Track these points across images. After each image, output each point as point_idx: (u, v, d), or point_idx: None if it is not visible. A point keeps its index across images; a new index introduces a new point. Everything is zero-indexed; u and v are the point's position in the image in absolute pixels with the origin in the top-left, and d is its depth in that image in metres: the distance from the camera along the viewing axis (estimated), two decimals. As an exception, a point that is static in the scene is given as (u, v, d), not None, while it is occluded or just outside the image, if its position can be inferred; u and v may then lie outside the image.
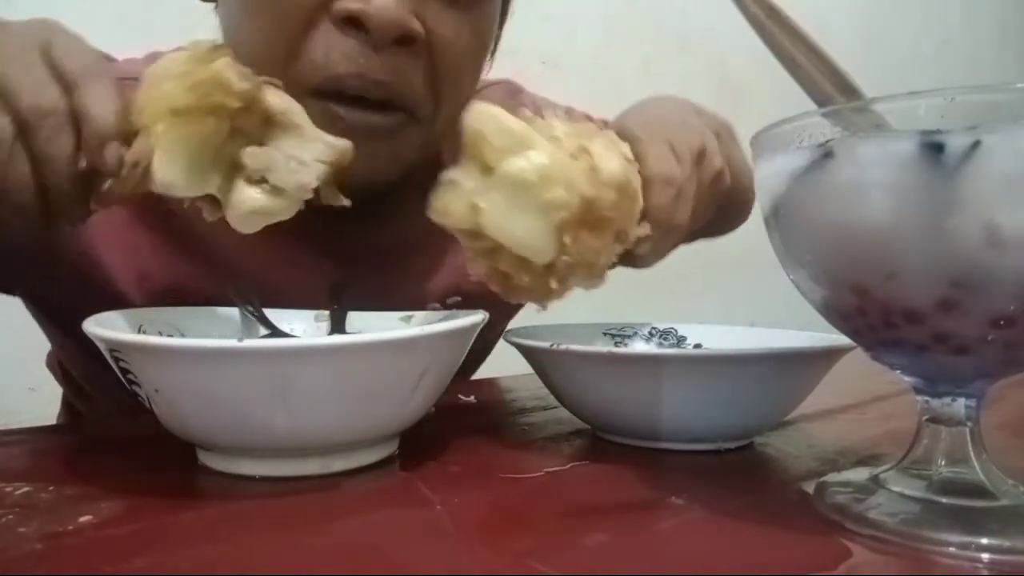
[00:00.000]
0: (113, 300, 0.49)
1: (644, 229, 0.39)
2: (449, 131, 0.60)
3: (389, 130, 0.50)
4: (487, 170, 0.37)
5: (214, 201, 0.37)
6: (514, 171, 0.35)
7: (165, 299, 0.50)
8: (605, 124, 0.75)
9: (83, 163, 0.35)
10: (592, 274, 0.38)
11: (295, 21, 0.46)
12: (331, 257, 0.58)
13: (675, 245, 0.44)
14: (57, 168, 0.34)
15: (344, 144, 0.37)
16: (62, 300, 0.54)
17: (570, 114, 0.75)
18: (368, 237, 0.61)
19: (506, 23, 0.61)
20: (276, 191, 0.36)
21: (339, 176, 0.38)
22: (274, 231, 0.58)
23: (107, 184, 0.35)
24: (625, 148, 0.40)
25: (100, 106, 0.34)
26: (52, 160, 0.34)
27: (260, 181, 0.36)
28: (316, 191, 0.37)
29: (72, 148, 0.34)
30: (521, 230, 0.36)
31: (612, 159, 0.37)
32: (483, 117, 0.37)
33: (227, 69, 0.34)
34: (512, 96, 0.72)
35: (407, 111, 0.50)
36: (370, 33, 0.45)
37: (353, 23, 0.45)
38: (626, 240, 0.38)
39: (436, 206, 0.39)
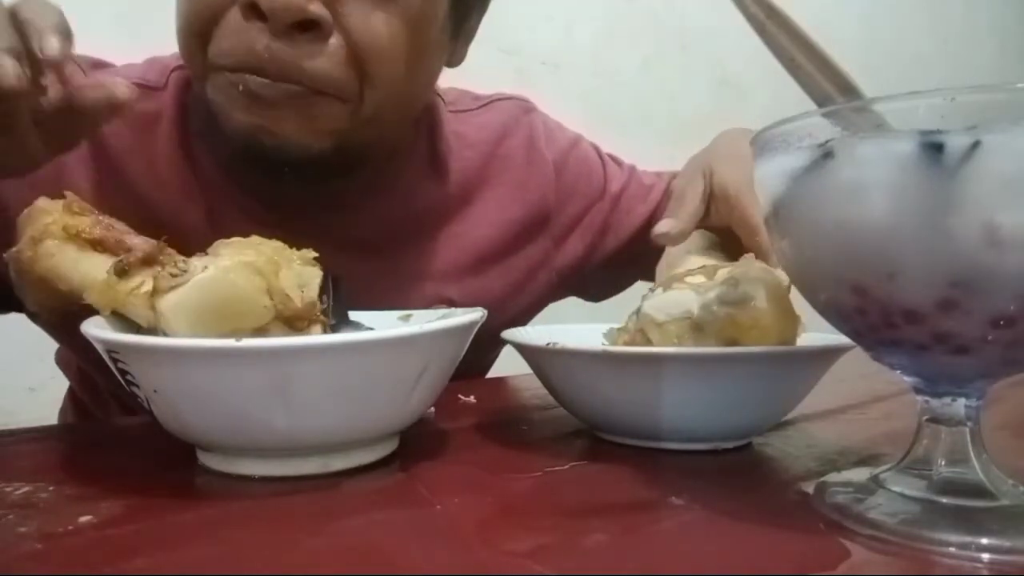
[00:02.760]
0: None
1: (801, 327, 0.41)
2: (394, 116, 0.58)
3: (292, 97, 0.49)
4: None
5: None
6: None
7: None
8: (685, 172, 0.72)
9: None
10: None
11: (207, 6, 0.48)
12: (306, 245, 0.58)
13: None
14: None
15: None
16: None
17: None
18: (341, 227, 0.60)
19: (475, 11, 0.59)
20: None
21: None
22: (245, 217, 0.58)
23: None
24: (759, 263, 0.42)
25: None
26: None
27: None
28: None
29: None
30: None
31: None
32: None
33: (292, 289, 0.35)
34: (524, 114, 0.72)
35: (324, 94, 0.50)
36: (268, 20, 0.46)
37: (254, 9, 0.46)
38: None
39: None
